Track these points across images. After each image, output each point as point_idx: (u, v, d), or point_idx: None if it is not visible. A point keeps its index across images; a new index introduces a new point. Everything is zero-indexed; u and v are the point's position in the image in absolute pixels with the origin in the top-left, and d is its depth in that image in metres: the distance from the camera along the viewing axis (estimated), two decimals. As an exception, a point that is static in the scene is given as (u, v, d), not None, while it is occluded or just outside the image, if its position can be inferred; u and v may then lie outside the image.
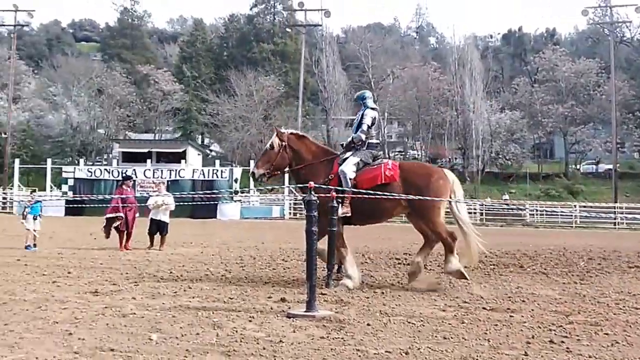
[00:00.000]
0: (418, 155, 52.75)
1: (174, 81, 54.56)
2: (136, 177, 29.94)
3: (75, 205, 27.19)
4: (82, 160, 37.60)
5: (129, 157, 38.62)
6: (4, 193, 33.53)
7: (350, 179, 6.60)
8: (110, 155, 46.88)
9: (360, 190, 6.34)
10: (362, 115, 7.07)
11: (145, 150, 38.88)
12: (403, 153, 54.82)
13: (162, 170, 32.08)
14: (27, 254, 9.99)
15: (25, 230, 11.05)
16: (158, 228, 11.42)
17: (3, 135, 39.53)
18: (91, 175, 31.39)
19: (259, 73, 51.14)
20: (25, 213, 11.28)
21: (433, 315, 4.93)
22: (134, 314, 4.80)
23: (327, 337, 4.09)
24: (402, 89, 51.24)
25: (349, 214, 6.57)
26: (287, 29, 58.42)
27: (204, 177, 31.27)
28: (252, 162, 35.32)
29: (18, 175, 33.67)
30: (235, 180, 31.34)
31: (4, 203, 32.37)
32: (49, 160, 33.88)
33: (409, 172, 6.83)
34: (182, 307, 5.16)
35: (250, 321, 4.62)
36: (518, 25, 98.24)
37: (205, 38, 63.72)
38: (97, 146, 50.78)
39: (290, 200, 32.48)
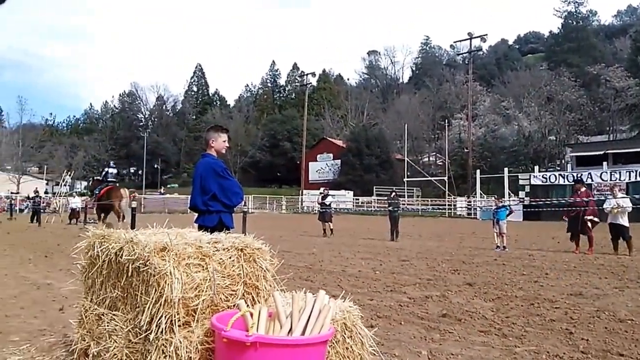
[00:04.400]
0: None
1: (627, 76, 49.78)
2: (592, 180, 28.72)
3: (532, 210, 28.41)
4: (536, 168, 38.67)
5: (582, 161, 36.96)
6: (468, 201, 38.07)
7: (96, 194, 17.49)
8: (563, 161, 46.14)
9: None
10: (107, 171, 18.16)
11: (600, 153, 36.32)
12: None
13: (620, 172, 29.70)
14: (502, 254, 11.07)
15: (494, 232, 12.32)
16: (616, 232, 10.89)
17: (465, 150, 45.12)
18: (546, 181, 32.09)
19: None
20: (494, 218, 12.54)
21: None
22: (632, 320, 4.64)
23: None
24: None
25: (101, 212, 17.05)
26: None
27: (673, 175, 28.03)
28: None
29: (479, 184, 37.60)
30: None
31: (469, 209, 36.75)
32: (505, 170, 36.41)
33: (106, 192, 16.64)
34: (688, 320, 4.64)
35: None
36: None
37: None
38: (549, 153, 51.01)
39: None
